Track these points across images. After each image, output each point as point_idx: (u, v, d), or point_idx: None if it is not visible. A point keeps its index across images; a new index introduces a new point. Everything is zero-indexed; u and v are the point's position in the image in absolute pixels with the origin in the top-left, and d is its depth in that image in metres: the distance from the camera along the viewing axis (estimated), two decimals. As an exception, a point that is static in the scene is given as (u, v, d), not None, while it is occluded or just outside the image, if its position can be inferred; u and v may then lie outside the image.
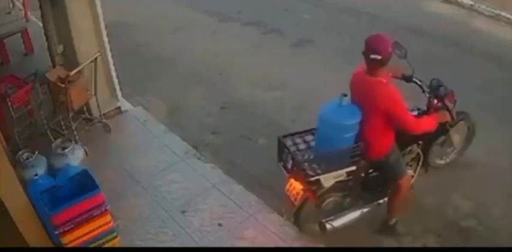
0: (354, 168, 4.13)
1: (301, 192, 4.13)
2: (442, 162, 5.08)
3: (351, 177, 4.22)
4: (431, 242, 4.56)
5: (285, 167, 4.24)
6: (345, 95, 3.91)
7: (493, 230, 4.63)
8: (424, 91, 4.42)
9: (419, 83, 4.46)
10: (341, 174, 4.13)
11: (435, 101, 4.34)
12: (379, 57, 3.67)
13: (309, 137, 4.28)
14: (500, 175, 5.17)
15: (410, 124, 3.88)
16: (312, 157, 4.09)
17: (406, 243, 4.55)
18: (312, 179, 4.05)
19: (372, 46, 3.69)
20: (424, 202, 4.89)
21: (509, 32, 7.66)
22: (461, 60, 6.98)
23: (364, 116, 3.89)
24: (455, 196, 4.97)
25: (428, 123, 4.10)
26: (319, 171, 4.05)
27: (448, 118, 4.41)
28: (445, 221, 4.74)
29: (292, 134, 4.32)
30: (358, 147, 4.01)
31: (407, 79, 4.45)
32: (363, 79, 3.85)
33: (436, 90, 4.39)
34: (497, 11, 8.01)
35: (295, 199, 4.18)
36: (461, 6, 8.39)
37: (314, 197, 4.17)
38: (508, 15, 7.89)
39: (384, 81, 3.80)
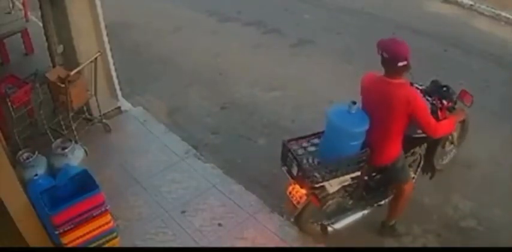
0: (359, 173, 4.12)
1: (305, 197, 4.11)
2: (445, 162, 5.08)
3: (355, 181, 4.21)
4: (431, 242, 4.56)
5: (289, 172, 4.16)
6: (354, 103, 3.85)
7: (493, 230, 4.63)
8: (424, 95, 4.40)
9: (420, 87, 4.45)
10: (346, 179, 4.11)
11: (445, 102, 4.30)
12: (406, 63, 3.63)
13: (314, 141, 4.21)
14: (500, 175, 5.17)
15: (432, 127, 3.85)
16: (317, 163, 4.06)
17: (406, 243, 4.55)
18: (318, 185, 4.03)
19: (398, 53, 3.62)
20: (424, 202, 4.90)
21: (509, 32, 7.67)
22: (461, 60, 6.99)
23: (376, 122, 3.84)
24: (455, 196, 4.97)
25: (448, 127, 4.08)
26: (324, 178, 4.02)
27: (465, 116, 4.41)
28: (445, 221, 4.74)
29: (296, 139, 4.24)
30: (365, 153, 3.99)
31: None
32: (382, 82, 3.76)
33: (438, 91, 4.38)
34: (497, 11, 8.02)
35: (298, 202, 4.16)
36: (461, 6, 8.40)
37: (317, 200, 4.14)
38: (508, 15, 7.90)
39: (407, 83, 3.79)
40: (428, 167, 4.74)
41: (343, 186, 4.24)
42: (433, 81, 4.49)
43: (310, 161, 4.07)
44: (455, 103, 4.39)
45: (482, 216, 4.75)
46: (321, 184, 4.02)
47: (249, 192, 5.00)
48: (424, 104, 3.80)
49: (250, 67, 7.05)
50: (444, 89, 4.38)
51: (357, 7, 8.46)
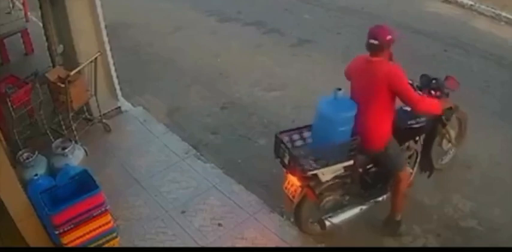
0: (351, 162, 4.13)
1: (299, 189, 4.13)
2: (444, 162, 5.08)
3: (348, 172, 4.22)
4: (431, 242, 4.55)
5: (282, 163, 4.23)
6: (339, 89, 3.96)
7: (493, 230, 4.63)
8: (416, 89, 4.42)
9: (410, 82, 4.47)
10: (338, 168, 4.13)
11: (433, 92, 4.39)
12: (376, 42, 3.84)
13: (306, 133, 4.29)
14: (500, 175, 5.17)
15: (414, 99, 3.92)
16: (308, 152, 4.10)
17: (406, 243, 4.54)
18: (309, 173, 4.04)
19: (371, 32, 3.89)
20: (424, 202, 4.89)
21: (509, 32, 7.67)
22: (461, 60, 6.99)
23: (363, 105, 3.93)
24: (456, 196, 4.96)
25: (433, 104, 4.13)
26: (316, 166, 4.05)
27: (451, 104, 4.48)
28: (445, 221, 4.74)
29: (289, 130, 4.33)
30: (355, 140, 4.01)
31: None
32: (364, 62, 3.96)
33: (428, 84, 4.44)
34: (497, 11, 8.03)
35: (293, 196, 4.18)
36: (461, 6, 8.41)
37: (313, 194, 4.16)
38: (508, 15, 7.91)
39: (386, 59, 3.93)
40: (426, 165, 4.75)
41: (339, 182, 4.25)
42: (422, 75, 4.58)
43: (302, 150, 4.12)
44: (447, 95, 4.45)
45: (482, 216, 4.75)
46: (313, 172, 4.04)
47: (249, 192, 5.00)
48: (403, 77, 3.91)
49: (250, 67, 7.05)
50: (433, 81, 4.48)
51: (357, 7, 8.46)
